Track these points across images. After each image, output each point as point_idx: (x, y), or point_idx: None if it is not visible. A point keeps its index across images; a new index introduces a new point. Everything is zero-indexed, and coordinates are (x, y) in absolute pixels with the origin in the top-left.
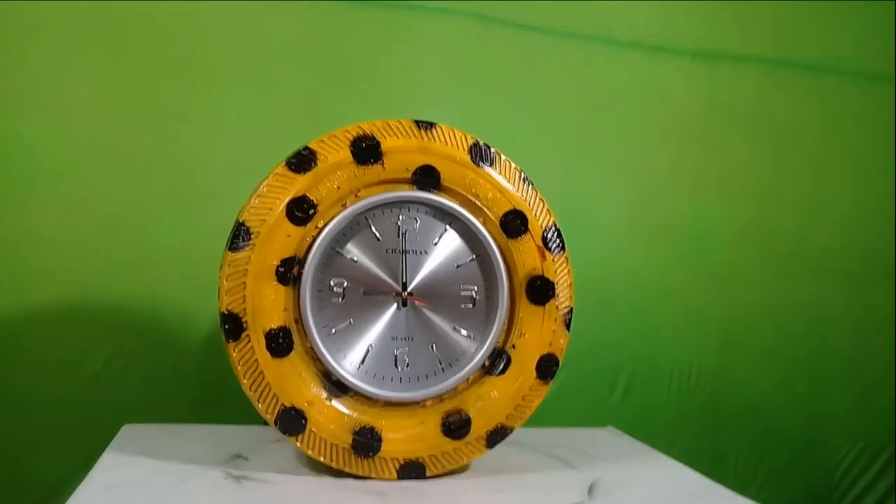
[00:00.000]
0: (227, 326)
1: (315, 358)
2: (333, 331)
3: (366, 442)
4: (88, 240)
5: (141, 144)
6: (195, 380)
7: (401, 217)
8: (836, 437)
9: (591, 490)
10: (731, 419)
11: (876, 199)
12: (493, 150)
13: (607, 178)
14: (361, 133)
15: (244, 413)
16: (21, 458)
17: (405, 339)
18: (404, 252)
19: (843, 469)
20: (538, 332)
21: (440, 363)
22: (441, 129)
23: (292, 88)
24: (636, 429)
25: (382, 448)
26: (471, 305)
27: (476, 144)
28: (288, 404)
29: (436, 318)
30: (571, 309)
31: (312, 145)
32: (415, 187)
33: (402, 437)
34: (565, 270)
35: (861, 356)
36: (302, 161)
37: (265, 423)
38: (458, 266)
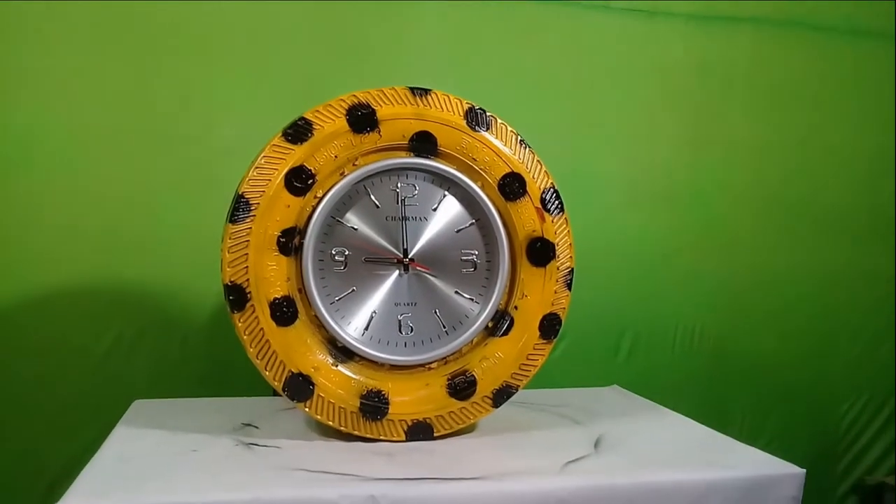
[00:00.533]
0: (231, 297)
1: (320, 325)
2: (337, 298)
3: (373, 405)
4: (91, 224)
5: (141, 128)
6: (202, 356)
7: (399, 184)
8: (840, 392)
9: (596, 444)
10: (736, 378)
11: (875, 158)
12: (488, 114)
13: (606, 143)
14: (357, 101)
15: (251, 386)
16: (33, 439)
17: (408, 304)
18: (404, 219)
19: (847, 422)
20: (540, 293)
21: (444, 327)
22: (436, 94)
23: (288, 66)
24: (642, 389)
25: (390, 410)
26: (472, 269)
27: (472, 109)
28: (295, 371)
29: (438, 283)
30: (572, 269)
31: (308, 115)
32: (412, 154)
33: (409, 399)
34: (565, 231)
35: (862, 312)
36: (298, 131)
37: (274, 393)
38: (458, 231)
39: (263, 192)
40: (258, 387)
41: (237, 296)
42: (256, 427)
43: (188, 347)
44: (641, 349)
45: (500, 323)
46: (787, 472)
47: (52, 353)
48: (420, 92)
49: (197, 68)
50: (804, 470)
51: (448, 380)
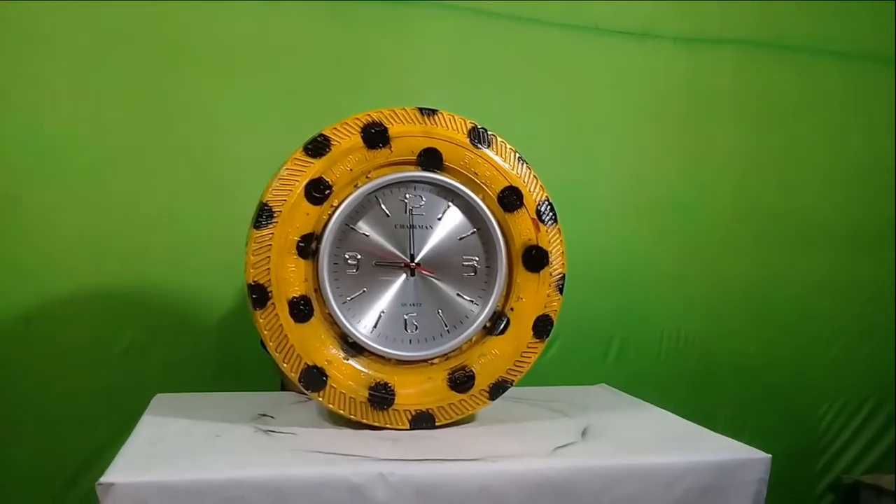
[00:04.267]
0: (254, 296)
1: (333, 323)
2: (349, 298)
3: (381, 396)
4: (109, 230)
5: (159, 140)
6: (213, 355)
7: (407, 195)
8: (819, 394)
9: (583, 433)
10: (719, 380)
11: (852, 172)
12: (489, 132)
13: (596, 158)
14: (370, 120)
15: (261, 383)
16: (51, 438)
17: (414, 304)
18: (411, 227)
19: (826, 423)
20: (534, 296)
21: (446, 325)
22: (442, 115)
23: (301, 84)
24: (629, 390)
25: (396, 401)
26: (473, 273)
27: (475, 128)
28: (310, 363)
29: (441, 286)
30: (564, 275)
31: (326, 132)
32: (420, 168)
33: (413, 391)
34: (558, 240)
35: (841, 317)
36: (317, 146)
37: (282, 388)
38: (460, 238)
39: (285, 200)
40: (266, 383)
41: (259, 294)
42: (272, 417)
43: (200, 348)
44: (629, 352)
45: (498, 323)
46: (754, 456)
47: (72, 354)
48: (428, 112)
49: (214, 84)
50: (770, 455)
51: (449, 374)
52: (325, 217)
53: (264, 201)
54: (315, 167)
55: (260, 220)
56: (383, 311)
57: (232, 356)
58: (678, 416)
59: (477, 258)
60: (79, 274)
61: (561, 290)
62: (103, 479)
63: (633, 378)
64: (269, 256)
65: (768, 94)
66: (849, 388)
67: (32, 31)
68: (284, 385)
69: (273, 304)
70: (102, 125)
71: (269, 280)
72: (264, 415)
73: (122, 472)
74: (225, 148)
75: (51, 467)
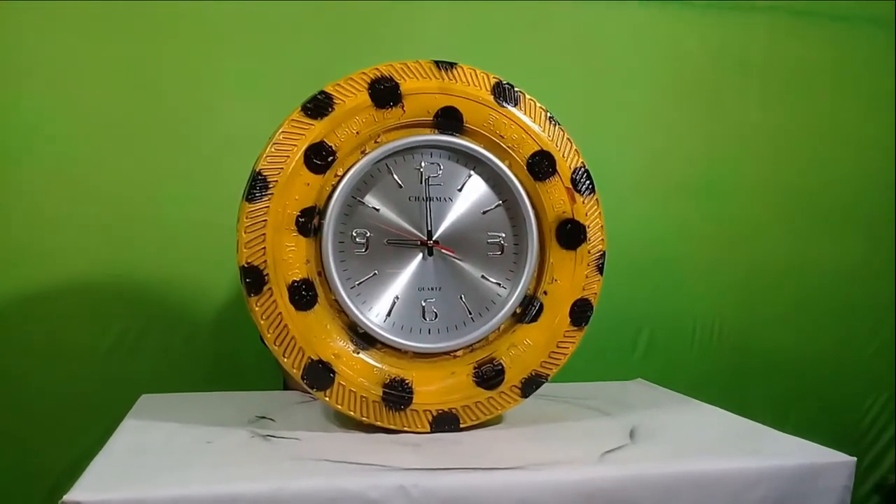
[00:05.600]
0: (248, 280)
1: (340, 310)
2: (358, 282)
3: (397, 395)
4: (92, 217)
5: (145, 119)
6: (208, 352)
7: (423, 163)
8: (862, 389)
9: (632, 434)
10: (756, 374)
11: (893, 149)
12: (516, 89)
13: (621, 133)
14: (379, 75)
15: (260, 382)
16: (35, 440)
17: (432, 289)
18: (428, 199)
19: (870, 418)
20: (570, 278)
21: (469, 313)
22: (462, 68)
23: (296, 54)
24: (661, 385)
25: (414, 400)
26: (499, 252)
27: (499, 84)
28: (315, 357)
29: (463, 267)
30: (604, 252)
31: (328, 89)
32: (436, 131)
33: (434, 388)
34: (596, 213)
35: (882, 306)
36: (318, 105)
37: (285, 387)
38: (484, 212)
39: (282, 169)
40: (266, 381)
41: (254, 278)
42: (272, 420)
43: (193, 343)
44: (659, 345)
45: (529, 309)
46: (837, 460)
47: (54, 351)
48: (445, 65)
49: (202, 57)
50: (854, 458)
51: (475, 368)
52: (329, 188)
53: (258, 170)
54: (315, 130)
55: (253, 191)
56: (397, 297)
57: (229, 351)
58: (734, 414)
59: (503, 234)
60: (58, 263)
61: (601, 270)
62: (67, 498)
63: (664, 373)
64: (264, 234)
65: (804, 66)
66: (893, 382)
67: (6, 7)
68: (288, 383)
69: (270, 289)
70: (81, 102)
71: (265, 261)
72: (263, 417)
73: (90, 488)
74: (214, 122)
75: (28, 479)
